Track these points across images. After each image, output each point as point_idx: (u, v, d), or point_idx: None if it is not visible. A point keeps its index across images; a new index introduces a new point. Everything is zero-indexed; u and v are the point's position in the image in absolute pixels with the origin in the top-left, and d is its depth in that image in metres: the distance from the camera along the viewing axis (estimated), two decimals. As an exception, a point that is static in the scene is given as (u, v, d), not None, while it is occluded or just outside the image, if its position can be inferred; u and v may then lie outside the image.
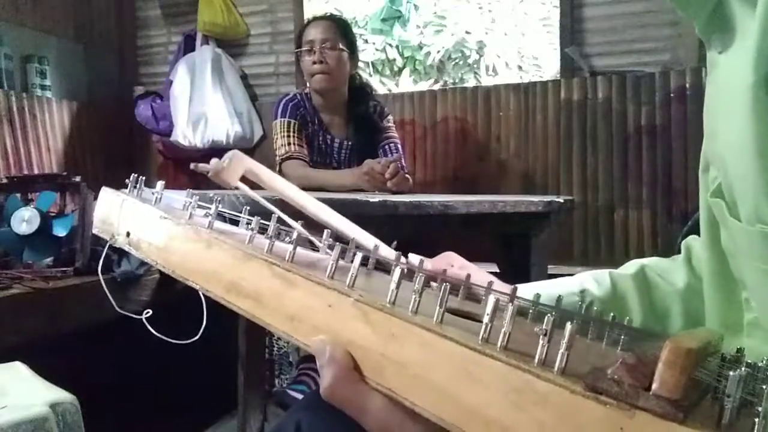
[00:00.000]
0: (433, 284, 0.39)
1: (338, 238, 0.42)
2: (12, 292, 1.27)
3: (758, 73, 0.34)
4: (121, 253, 1.45)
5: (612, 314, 0.35)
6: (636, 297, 0.58)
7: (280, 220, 0.36)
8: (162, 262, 0.39)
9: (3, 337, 1.20)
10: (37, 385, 0.80)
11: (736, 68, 0.38)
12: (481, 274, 0.55)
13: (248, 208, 0.40)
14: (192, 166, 0.48)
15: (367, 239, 0.48)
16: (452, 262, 0.55)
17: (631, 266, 0.62)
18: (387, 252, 0.49)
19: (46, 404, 0.71)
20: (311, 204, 0.47)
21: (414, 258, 0.52)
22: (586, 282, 0.60)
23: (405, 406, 0.28)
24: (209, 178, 0.46)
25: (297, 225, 0.41)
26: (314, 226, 0.43)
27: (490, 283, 0.39)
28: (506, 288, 0.57)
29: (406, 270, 0.30)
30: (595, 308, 0.57)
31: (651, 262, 0.62)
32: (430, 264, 0.54)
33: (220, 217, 0.40)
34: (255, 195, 0.46)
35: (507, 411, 0.24)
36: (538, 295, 0.35)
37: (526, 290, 0.58)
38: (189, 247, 0.38)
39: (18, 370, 0.86)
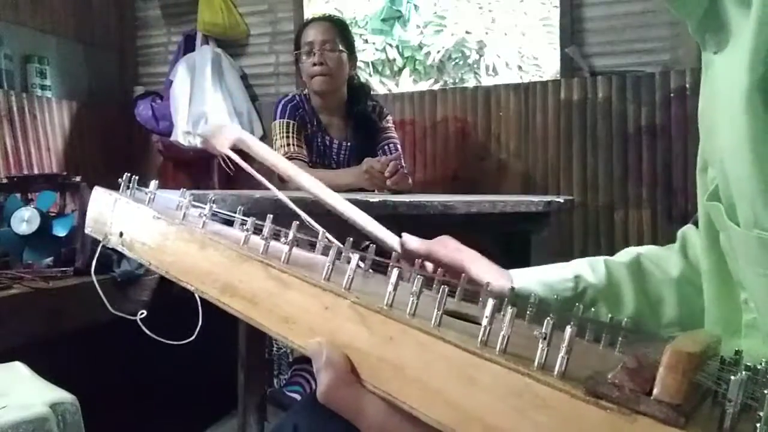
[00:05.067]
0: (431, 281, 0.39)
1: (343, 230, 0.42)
2: (12, 292, 1.27)
3: (753, 75, 0.34)
4: (121, 253, 1.44)
5: (610, 315, 0.35)
6: (630, 284, 0.58)
7: (276, 221, 0.36)
8: (155, 263, 0.39)
9: (3, 337, 1.20)
10: (37, 385, 0.79)
11: (730, 69, 0.38)
12: (474, 257, 0.55)
13: (242, 208, 0.40)
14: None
15: (364, 219, 0.47)
16: (447, 244, 0.55)
17: (626, 254, 0.61)
18: (383, 234, 0.48)
19: (46, 404, 0.71)
20: (310, 182, 0.47)
21: (408, 237, 0.52)
22: (581, 268, 0.59)
23: (402, 410, 0.27)
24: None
25: (320, 228, 0.40)
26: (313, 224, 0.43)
27: (488, 284, 0.39)
28: (502, 274, 0.56)
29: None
30: (589, 294, 0.57)
31: (646, 250, 0.62)
32: (424, 245, 0.54)
33: (215, 217, 0.39)
34: (281, 194, 0.45)
35: (506, 415, 0.24)
36: (536, 296, 0.35)
37: (521, 275, 0.58)
38: (183, 248, 0.37)
39: (18, 370, 0.85)
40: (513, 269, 0.59)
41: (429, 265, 0.55)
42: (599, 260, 0.61)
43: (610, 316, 0.34)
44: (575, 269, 0.59)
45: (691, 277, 0.58)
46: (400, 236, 0.52)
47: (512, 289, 0.36)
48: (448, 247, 0.55)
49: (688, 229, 0.63)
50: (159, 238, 0.39)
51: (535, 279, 0.57)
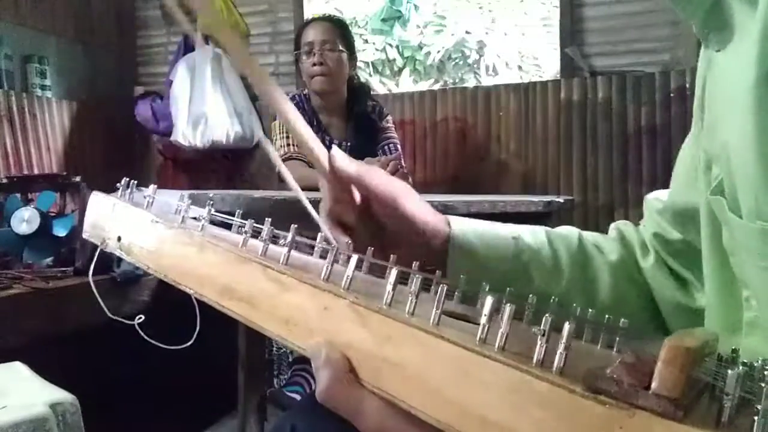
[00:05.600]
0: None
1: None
2: (12, 292, 1.27)
3: (761, 70, 0.34)
4: (121, 254, 1.44)
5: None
6: (567, 257, 0.56)
7: (274, 224, 0.36)
8: (154, 267, 0.39)
9: (3, 337, 1.20)
10: (37, 385, 0.79)
11: (735, 66, 0.38)
12: (408, 191, 0.50)
13: (240, 211, 0.40)
14: None
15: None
16: (379, 172, 0.49)
17: (567, 229, 0.60)
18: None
19: (46, 404, 0.71)
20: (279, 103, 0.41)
21: (336, 151, 0.46)
22: (521, 230, 0.57)
23: (402, 409, 0.27)
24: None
25: (324, 226, 0.39)
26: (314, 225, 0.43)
27: (486, 285, 0.39)
28: (437, 215, 0.53)
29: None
30: (525, 257, 0.55)
31: (585, 232, 0.61)
32: (354, 167, 0.47)
33: (213, 220, 0.39)
34: (301, 194, 0.42)
35: (505, 412, 0.24)
36: (533, 297, 0.35)
37: (459, 222, 0.55)
38: (181, 251, 0.37)
39: (18, 370, 0.85)
40: (452, 216, 0.56)
41: (357, 194, 0.49)
42: (540, 228, 0.59)
43: (608, 317, 0.34)
44: (515, 230, 0.57)
45: (628, 267, 0.58)
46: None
47: (510, 290, 0.36)
48: (382, 176, 0.49)
49: (623, 223, 0.63)
50: (157, 242, 0.39)
51: (473, 229, 0.55)
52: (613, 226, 0.63)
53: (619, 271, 0.57)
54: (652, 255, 0.58)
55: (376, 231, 0.49)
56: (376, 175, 0.48)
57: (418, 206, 0.50)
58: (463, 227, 0.54)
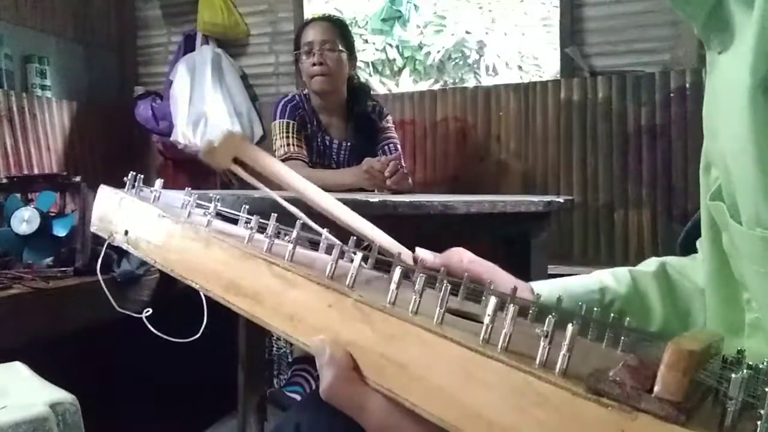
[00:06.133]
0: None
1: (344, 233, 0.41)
2: (12, 292, 1.27)
3: (755, 76, 0.34)
4: (121, 253, 1.45)
5: (625, 317, 0.35)
6: (657, 294, 0.57)
7: (279, 220, 0.36)
8: (161, 261, 0.39)
9: (3, 337, 1.20)
10: (37, 385, 0.79)
11: (734, 69, 0.38)
12: (492, 270, 0.53)
13: (247, 207, 0.40)
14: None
15: (381, 237, 0.47)
16: (462, 257, 0.53)
17: (652, 263, 0.60)
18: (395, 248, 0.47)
19: (45, 404, 0.71)
20: (318, 195, 0.46)
21: (422, 252, 0.51)
22: (605, 278, 0.58)
23: (405, 407, 0.28)
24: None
25: (322, 230, 0.40)
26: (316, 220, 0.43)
27: (490, 283, 0.39)
28: (522, 287, 0.54)
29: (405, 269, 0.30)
30: (616, 305, 0.55)
31: (671, 260, 0.61)
32: (439, 259, 0.52)
33: (219, 216, 0.40)
34: (274, 195, 0.44)
35: (508, 412, 0.24)
36: (560, 297, 0.35)
37: (543, 287, 0.56)
38: (187, 246, 0.37)
39: (18, 370, 0.85)
40: (533, 281, 0.57)
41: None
42: (624, 270, 0.59)
43: (613, 316, 0.34)
44: (600, 280, 0.58)
45: None
46: (413, 250, 0.51)
47: (515, 288, 0.36)
48: (464, 261, 0.52)
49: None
50: (164, 237, 0.39)
51: (559, 291, 0.56)
52: (699, 242, 0.61)
53: None
54: None
55: None
56: (460, 261, 0.51)
57: (503, 283, 0.52)
58: (548, 291, 0.55)
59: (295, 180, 0.46)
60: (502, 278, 0.53)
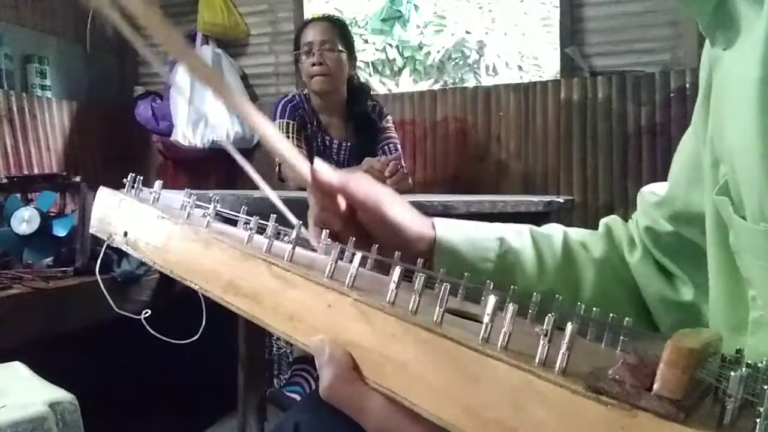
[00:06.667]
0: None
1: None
2: (12, 292, 1.27)
3: (765, 69, 0.34)
4: (121, 253, 1.44)
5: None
6: (552, 256, 0.57)
7: (278, 219, 0.36)
8: (160, 262, 0.39)
9: (3, 337, 1.20)
10: (36, 385, 0.79)
11: (741, 64, 0.38)
12: (393, 197, 0.51)
13: (246, 207, 0.40)
14: None
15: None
16: (363, 180, 0.50)
17: (552, 227, 0.61)
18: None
19: (45, 404, 0.71)
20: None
21: (319, 164, 0.47)
22: (506, 231, 0.58)
23: (404, 406, 0.28)
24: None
25: (296, 220, 0.40)
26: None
27: (490, 283, 0.39)
28: (423, 219, 0.53)
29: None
30: (510, 258, 0.55)
31: (571, 229, 0.62)
32: (337, 177, 0.48)
33: (219, 216, 0.40)
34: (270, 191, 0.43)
35: (507, 411, 0.24)
36: (537, 296, 0.35)
37: (445, 225, 0.55)
38: (187, 247, 0.38)
39: (17, 369, 0.85)
40: (436, 218, 0.57)
41: (342, 203, 0.50)
42: (525, 227, 0.60)
43: (612, 315, 0.34)
44: (500, 231, 0.58)
45: (613, 263, 0.59)
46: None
47: (514, 288, 0.36)
48: (365, 184, 0.50)
49: (612, 219, 0.63)
50: (164, 238, 0.39)
51: (459, 232, 0.55)
52: (602, 221, 0.63)
53: (605, 268, 0.58)
54: (639, 250, 0.58)
55: (362, 237, 0.50)
56: (359, 183, 0.49)
57: (402, 211, 0.51)
58: (448, 230, 0.55)
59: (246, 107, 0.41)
60: (402, 207, 0.51)
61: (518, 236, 0.58)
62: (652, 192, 0.60)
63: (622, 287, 0.58)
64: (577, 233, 0.61)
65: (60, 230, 1.44)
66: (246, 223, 0.37)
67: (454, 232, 0.55)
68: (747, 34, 0.38)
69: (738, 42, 0.39)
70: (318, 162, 0.47)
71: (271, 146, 0.42)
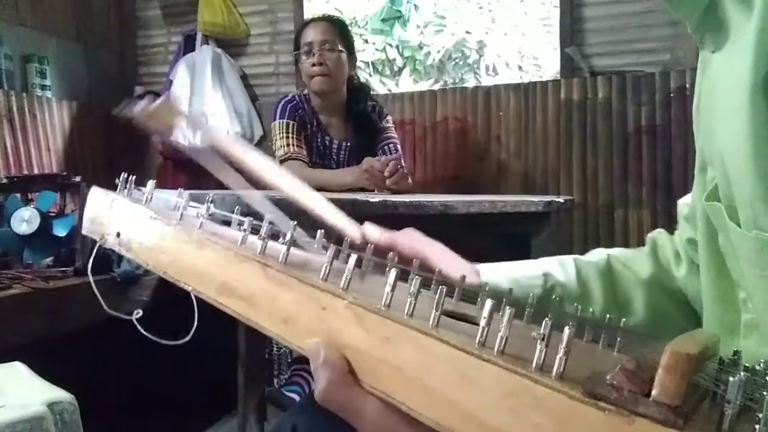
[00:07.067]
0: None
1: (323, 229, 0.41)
2: (12, 292, 1.27)
3: (756, 74, 0.34)
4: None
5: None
6: (599, 283, 0.57)
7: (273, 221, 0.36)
8: (153, 263, 0.39)
9: (3, 337, 1.20)
10: (36, 385, 0.79)
11: (731, 68, 0.37)
12: (440, 250, 0.53)
13: (239, 208, 0.40)
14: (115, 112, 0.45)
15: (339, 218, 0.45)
16: (411, 236, 0.52)
17: (596, 254, 0.61)
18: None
19: (43, 403, 0.71)
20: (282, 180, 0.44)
21: (369, 227, 0.49)
22: (550, 266, 0.59)
23: (400, 410, 0.27)
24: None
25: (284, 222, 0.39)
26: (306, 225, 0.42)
27: (485, 285, 0.39)
28: (468, 269, 0.55)
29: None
30: (557, 291, 0.56)
31: (616, 251, 0.62)
32: (386, 236, 0.50)
33: (212, 217, 0.39)
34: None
35: (504, 416, 0.24)
36: (510, 290, 0.35)
37: (489, 271, 0.56)
38: (180, 248, 0.37)
39: (17, 369, 0.85)
40: (481, 264, 0.58)
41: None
42: (569, 259, 0.60)
43: (609, 318, 0.34)
44: (545, 267, 0.59)
45: (662, 280, 0.59)
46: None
47: (511, 290, 0.36)
48: (412, 240, 0.52)
49: (658, 233, 0.64)
50: (156, 239, 0.39)
51: (504, 275, 0.57)
52: (649, 237, 0.63)
53: (654, 287, 0.58)
54: (684, 264, 0.58)
55: None
56: (405, 241, 0.51)
57: (448, 263, 0.52)
58: (494, 275, 0.56)
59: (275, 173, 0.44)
60: (449, 260, 0.53)
61: (562, 268, 0.59)
62: (685, 203, 0.60)
63: (674, 303, 0.58)
64: (621, 254, 0.61)
65: (60, 230, 1.43)
66: (239, 225, 0.37)
67: (499, 275, 0.56)
68: (736, 38, 0.38)
69: (727, 45, 0.39)
70: (367, 225, 0.49)
71: (319, 214, 0.44)
